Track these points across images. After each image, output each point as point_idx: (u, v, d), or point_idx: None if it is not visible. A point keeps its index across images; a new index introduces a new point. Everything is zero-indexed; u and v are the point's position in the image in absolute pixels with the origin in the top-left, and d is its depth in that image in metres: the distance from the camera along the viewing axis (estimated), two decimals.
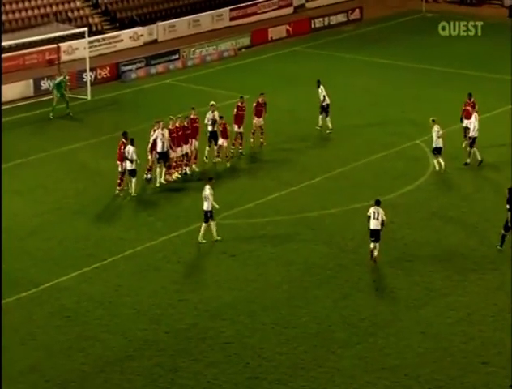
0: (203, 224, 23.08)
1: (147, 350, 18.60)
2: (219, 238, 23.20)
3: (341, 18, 46.95)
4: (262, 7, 47.91)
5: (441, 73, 38.23)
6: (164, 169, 26.84)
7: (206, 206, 22.98)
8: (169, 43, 42.58)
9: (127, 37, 42.61)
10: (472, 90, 29.60)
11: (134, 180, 26.04)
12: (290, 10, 48.96)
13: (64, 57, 39.35)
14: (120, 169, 26.22)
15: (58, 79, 33.64)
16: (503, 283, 21.16)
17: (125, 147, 26.14)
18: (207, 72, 39.54)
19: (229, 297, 20.77)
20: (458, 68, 38.55)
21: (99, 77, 37.70)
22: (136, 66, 39.10)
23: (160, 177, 26.77)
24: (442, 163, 27.26)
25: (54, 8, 42.46)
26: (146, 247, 23.16)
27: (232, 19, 46.57)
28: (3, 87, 35.20)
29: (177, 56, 40.61)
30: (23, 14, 41.42)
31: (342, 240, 23.45)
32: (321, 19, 46.29)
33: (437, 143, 27.16)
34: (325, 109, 30.42)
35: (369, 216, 21.85)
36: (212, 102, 28.89)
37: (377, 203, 22.00)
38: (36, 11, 41.87)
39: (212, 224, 23.16)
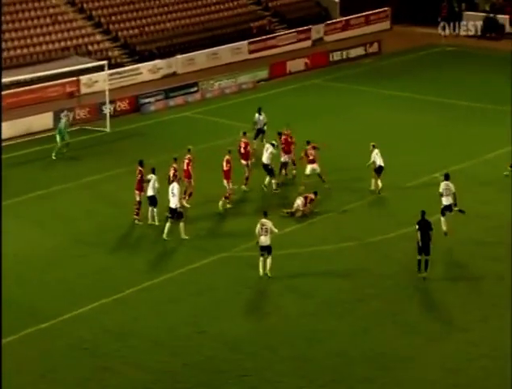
0: None
1: (165, 382, 18.72)
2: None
3: (359, 51, 47.42)
4: (281, 40, 48.51)
5: (460, 107, 38.43)
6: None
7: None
8: (188, 76, 43.16)
9: (146, 70, 43.27)
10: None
11: (155, 210, 26.30)
12: (308, 43, 49.53)
13: (84, 90, 40.02)
14: (138, 198, 26.50)
15: (61, 122, 33.67)
16: None
17: (142, 176, 26.43)
18: (226, 105, 39.99)
19: (247, 329, 20.88)
20: (477, 102, 38.74)
21: (118, 109, 38.25)
22: (155, 99, 39.63)
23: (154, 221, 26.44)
24: (380, 184, 28.28)
25: (74, 42, 43.24)
26: (164, 279, 23.37)
27: (250, 52, 47.17)
28: (25, 119, 35.93)
29: (195, 88, 41.14)
30: (44, 47, 42.20)
31: (359, 273, 23.53)
32: (339, 52, 46.78)
33: (380, 162, 28.31)
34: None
35: (441, 193, 24.26)
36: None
37: (447, 178, 24.20)
38: (56, 45, 42.65)
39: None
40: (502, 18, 49.75)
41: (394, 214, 27.16)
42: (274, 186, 28.91)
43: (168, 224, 25.21)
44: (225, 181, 27.62)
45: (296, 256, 24.64)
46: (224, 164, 27.55)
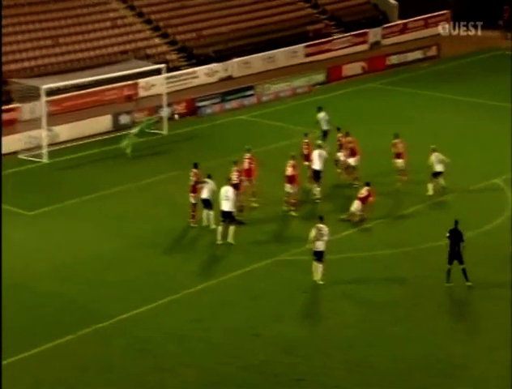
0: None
1: (222, 384, 18.83)
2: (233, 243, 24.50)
3: (417, 55, 47.00)
4: (338, 44, 48.38)
5: None
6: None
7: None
8: (244, 79, 43.36)
9: (203, 73, 43.60)
10: None
11: (211, 212, 26.42)
12: (365, 46, 49.28)
13: (141, 93, 40.53)
14: (193, 201, 26.66)
15: (152, 118, 34.54)
16: None
17: (197, 179, 26.53)
18: (281, 108, 40.07)
19: (303, 333, 20.87)
20: None
21: (175, 112, 38.62)
22: (211, 102, 39.94)
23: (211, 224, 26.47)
24: (443, 183, 28.21)
25: (133, 45, 43.83)
26: (220, 281, 23.52)
27: (306, 55, 47.15)
28: (84, 121, 36.56)
29: (251, 92, 41.31)
30: (104, 51, 42.87)
31: (416, 279, 23.33)
32: (396, 56, 46.44)
33: (439, 168, 28.13)
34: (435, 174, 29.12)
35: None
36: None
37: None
38: (115, 48, 43.30)
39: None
40: None
41: (450, 220, 26.85)
42: (318, 195, 28.49)
43: (220, 228, 25.27)
44: (288, 186, 27.34)
45: (352, 261, 24.54)
46: (290, 169, 27.34)
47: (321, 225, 23.02)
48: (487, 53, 47.84)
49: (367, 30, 49.38)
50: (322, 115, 32.97)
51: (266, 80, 42.28)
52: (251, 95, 41.16)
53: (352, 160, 29.45)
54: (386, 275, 23.63)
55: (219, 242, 25.38)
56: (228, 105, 40.12)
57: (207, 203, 26.42)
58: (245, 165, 27.91)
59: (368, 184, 26.84)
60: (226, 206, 25.27)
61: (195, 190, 26.70)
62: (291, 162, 27.55)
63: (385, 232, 26.38)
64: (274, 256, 24.84)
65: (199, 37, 46.06)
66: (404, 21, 51.04)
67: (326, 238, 22.85)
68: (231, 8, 48.37)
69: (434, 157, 28.35)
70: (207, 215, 26.52)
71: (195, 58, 44.95)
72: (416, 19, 51.01)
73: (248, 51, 45.80)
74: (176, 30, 46.01)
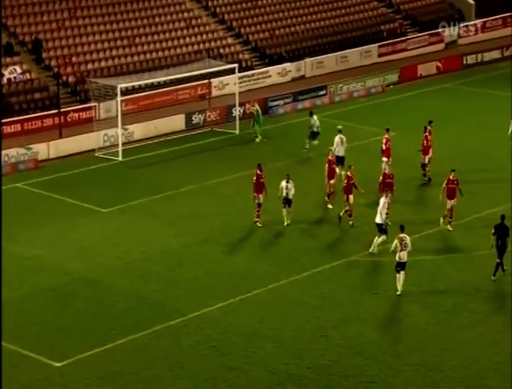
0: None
1: (290, 384, 18.87)
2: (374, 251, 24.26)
3: (495, 54, 46.11)
4: (412, 44, 47.82)
5: None
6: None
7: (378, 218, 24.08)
8: (317, 79, 43.29)
9: (275, 73, 43.73)
10: None
11: (290, 209, 26.58)
12: (441, 46, 48.56)
13: (215, 93, 40.89)
14: (257, 201, 26.67)
15: (255, 109, 35.69)
16: None
17: (259, 179, 26.57)
18: (354, 108, 39.84)
19: (373, 335, 20.75)
20: None
21: (247, 112, 38.82)
22: (284, 102, 40.01)
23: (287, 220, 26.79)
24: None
25: (207, 45, 44.28)
26: (289, 281, 23.56)
27: (380, 55, 46.77)
28: (158, 120, 37.14)
29: (324, 92, 41.22)
30: (178, 50, 43.44)
31: (491, 283, 22.89)
32: (473, 56, 45.64)
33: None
34: None
35: None
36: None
37: None
38: (189, 48, 43.82)
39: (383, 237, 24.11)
40: None
41: None
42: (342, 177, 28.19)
43: (377, 239, 24.63)
44: (345, 196, 26.67)
45: (426, 263, 24.23)
46: (345, 179, 26.86)
47: (403, 235, 22.50)
48: None
49: (443, 29, 48.64)
50: (314, 118, 33.74)
51: (338, 80, 42.11)
52: (324, 95, 41.07)
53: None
54: (458, 279, 23.27)
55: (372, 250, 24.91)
56: (300, 105, 40.13)
57: (288, 201, 26.57)
58: (383, 146, 29.37)
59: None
60: (378, 218, 24.71)
61: (259, 189, 26.62)
62: (347, 173, 26.87)
63: (457, 235, 25.94)
64: (345, 257, 24.75)
65: (272, 37, 46.22)
66: (482, 20, 50.09)
67: (409, 249, 22.37)
68: (304, 8, 48.37)
69: None
70: (287, 213, 26.68)
71: (268, 58, 45.13)
72: (494, 18, 50.01)
73: (321, 51, 45.74)
74: (249, 30, 46.27)
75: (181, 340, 20.82)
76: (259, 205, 26.86)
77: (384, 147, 29.69)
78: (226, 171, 32.24)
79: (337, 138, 30.25)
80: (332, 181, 27.86)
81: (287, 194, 26.60)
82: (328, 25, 47.81)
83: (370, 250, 24.71)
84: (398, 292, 22.46)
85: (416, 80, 43.38)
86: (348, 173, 26.81)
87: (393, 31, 48.56)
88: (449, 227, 26.27)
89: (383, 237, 24.49)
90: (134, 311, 22.09)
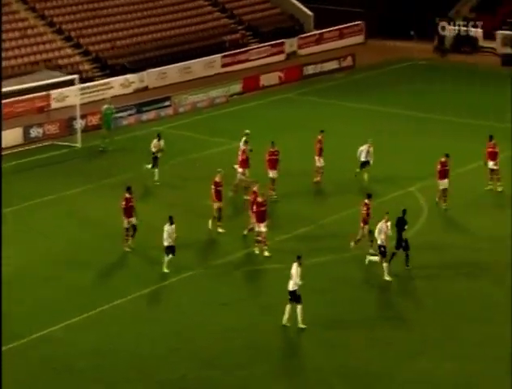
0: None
1: None
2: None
3: (333, 65, 47.85)
4: (254, 54, 48.81)
5: (433, 120, 38.81)
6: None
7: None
8: (160, 90, 43.24)
9: (118, 84, 43.28)
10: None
11: (170, 256, 24.27)
12: (282, 57, 49.87)
13: (54, 105, 39.90)
14: (125, 225, 25.69)
15: (104, 107, 33.96)
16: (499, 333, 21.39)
17: (128, 203, 25.55)
18: (198, 119, 40.12)
19: (221, 345, 20.87)
20: (450, 115, 39.12)
21: (89, 124, 38.16)
22: (127, 113, 39.66)
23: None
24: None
25: (44, 55, 43.17)
26: (136, 297, 23.30)
27: (223, 65, 47.40)
28: None
29: (168, 103, 41.24)
30: (13, 61, 42.07)
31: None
32: (313, 66, 47.16)
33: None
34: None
35: None
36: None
37: None
38: (25, 59, 42.55)
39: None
40: (475, 31, 50.43)
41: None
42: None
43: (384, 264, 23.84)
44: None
45: (271, 271, 24.62)
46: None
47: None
48: (400, 63, 49.03)
49: (283, 40, 49.98)
50: (160, 142, 31.51)
51: (182, 91, 42.27)
52: (168, 106, 41.08)
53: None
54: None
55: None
56: (144, 117, 39.92)
57: (170, 249, 24.17)
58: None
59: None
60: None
61: (128, 214, 25.65)
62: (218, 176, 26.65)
63: (297, 246, 26.65)
64: (189, 270, 24.85)
65: (113, 47, 45.74)
66: (320, 31, 51.91)
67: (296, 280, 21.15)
68: (146, 18, 48.25)
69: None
70: (166, 259, 24.38)
71: (109, 69, 44.59)
72: (331, 29, 51.98)
73: (164, 61, 45.71)
74: (89, 40, 45.55)
75: (23, 362, 20.10)
76: (127, 229, 25.75)
77: (240, 158, 29.57)
78: (70, 185, 31.45)
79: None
80: (218, 205, 26.70)
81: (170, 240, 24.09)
82: (171, 35, 47.90)
83: (386, 278, 23.71)
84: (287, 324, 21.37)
85: (258, 90, 44.28)
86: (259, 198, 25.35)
87: (235, 41, 49.39)
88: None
89: (380, 259, 24.02)
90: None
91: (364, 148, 30.79)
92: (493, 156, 29.76)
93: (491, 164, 29.78)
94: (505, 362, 19.90)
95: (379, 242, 24.05)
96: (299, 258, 21.41)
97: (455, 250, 25.95)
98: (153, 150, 31.25)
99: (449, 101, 41.51)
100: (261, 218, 25.20)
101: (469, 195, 29.65)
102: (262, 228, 25.18)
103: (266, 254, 25.20)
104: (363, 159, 30.71)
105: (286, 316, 21.38)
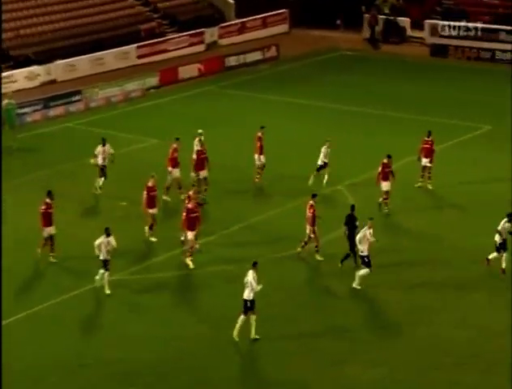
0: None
1: None
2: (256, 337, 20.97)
3: (257, 56, 47.78)
4: (172, 44, 48.33)
5: (360, 113, 39.10)
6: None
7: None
8: (69, 83, 42.37)
9: (22, 77, 42.23)
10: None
11: (107, 273, 23.31)
12: (202, 47, 49.53)
13: None
14: (45, 235, 24.79)
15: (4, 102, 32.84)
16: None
17: (48, 209, 24.69)
18: (112, 114, 39.47)
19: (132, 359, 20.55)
20: (378, 109, 39.48)
21: None
22: (32, 109, 38.73)
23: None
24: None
25: None
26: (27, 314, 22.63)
27: (139, 57, 46.78)
28: None
29: (78, 97, 40.45)
30: None
31: None
32: (235, 57, 46.99)
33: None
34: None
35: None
36: None
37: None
38: None
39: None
40: (403, 20, 51.09)
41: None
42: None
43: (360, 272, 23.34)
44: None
45: (187, 277, 24.34)
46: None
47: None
48: (326, 54, 49.28)
49: (203, 29, 49.64)
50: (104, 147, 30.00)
51: (94, 84, 41.53)
52: (78, 100, 40.29)
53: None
54: (224, 291, 23.65)
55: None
56: (51, 112, 39.06)
57: (106, 262, 23.26)
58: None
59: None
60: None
61: (47, 222, 24.68)
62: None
63: (226, 245, 26.43)
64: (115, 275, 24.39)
65: (17, 37, 44.61)
66: (242, 20, 51.74)
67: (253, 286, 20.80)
68: (53, 5, 47.28)
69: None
70: (103, 275, 23.36)
71: (13, 60, 43.47)
72: (254, 18, 51.88)
73: (73, 52, 44.82)
74: None
75: None
76: (46, 239, 24.78)
77: (171, 156, 28.93)
78: None
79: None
80: (153, 211, 26.06)
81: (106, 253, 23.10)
82: (80, 24, 47.02)
83: (355, 285, 23.39)
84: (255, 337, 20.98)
85: (177, 83, 43.84)
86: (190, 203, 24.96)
87: (151, 31, 48.80)
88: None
89: (367, 271, 23.37)
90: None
91: (323, 149, 30.05)
92: (428, 152, 30.02)
93: (424, 160, 30.02)
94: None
95: (361, 253, 23.22)
96: (255, 264, 21.02)
97: (385, 253, 26.10)
98: (99, 161, 29.17)
99: (375, 93, 41.91)
100: (190, 225, 24.61)
101: (399, 193, 29.84)
102: (190, 235, 24.61)
103: (189, 262, 24.76)
104: (319, 162, 30.05)
105: (238, 330, 20.79)
